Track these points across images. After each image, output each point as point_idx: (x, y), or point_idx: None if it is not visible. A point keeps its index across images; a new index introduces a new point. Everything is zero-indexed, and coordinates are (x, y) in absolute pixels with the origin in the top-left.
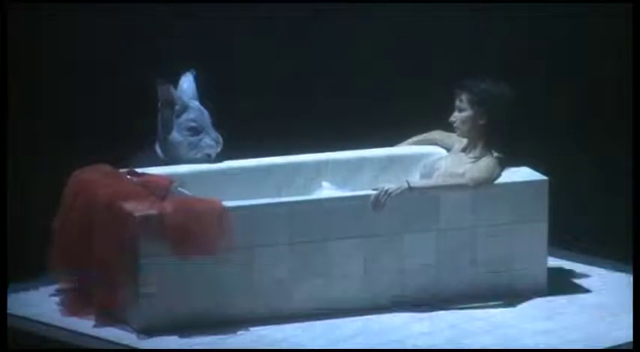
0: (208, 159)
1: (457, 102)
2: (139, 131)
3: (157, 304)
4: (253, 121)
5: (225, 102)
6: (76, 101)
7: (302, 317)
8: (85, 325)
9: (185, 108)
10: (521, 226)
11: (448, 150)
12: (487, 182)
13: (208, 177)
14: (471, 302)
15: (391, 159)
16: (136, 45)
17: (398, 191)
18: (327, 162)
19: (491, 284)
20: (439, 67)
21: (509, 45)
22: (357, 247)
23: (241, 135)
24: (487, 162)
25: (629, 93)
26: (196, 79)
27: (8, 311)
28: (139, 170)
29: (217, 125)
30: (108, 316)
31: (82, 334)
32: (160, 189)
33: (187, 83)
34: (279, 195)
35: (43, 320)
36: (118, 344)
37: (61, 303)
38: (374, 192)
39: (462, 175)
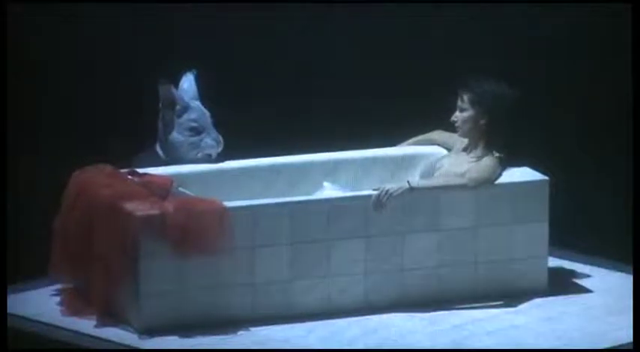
0: (209, 160)
1: (458, 102)
2: (139, 131)
3: (157, 304)
4: (253, 121)
5: (226, 102)
6: (76, 101)
7: (303, 317)
8: (85, 325)
9: (186, 108)
10: (521, 226)
11: (449, 150)
12: (488, 182)
13: (209, 178)
14: (471, 302)
15: (391, 159)
16: (136, 45)
17: (399, 191)
18: (327, 163)
19: (492, 284)
20: (439, 67)
21: (509, 45)
22: (358, 247)
23: (242, 136)
24: (488, 162)
25: (629, 93)
26: (197, 79)
27: (8, 311)
28: (139, 170)
29: (218, 125)
30: (108, 316)
31: (82, 334)
32: (161, 189)
33: (188, 83)
34: (279, 195)
35: (43, 320)
36: (118, 344)
37: (62, 303)
38: (375, 192)
39: (463, 175)
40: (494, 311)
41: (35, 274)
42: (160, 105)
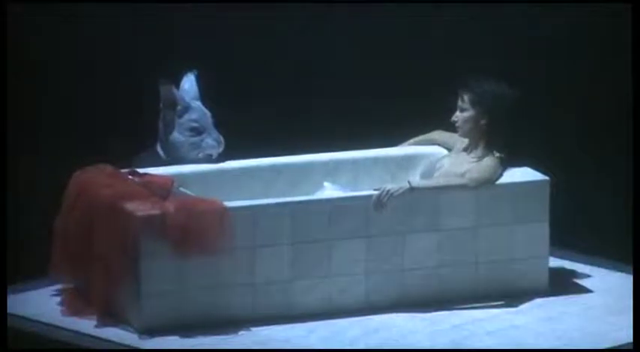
0: (210, 160)
1: (459, 102)
2: (139, 131)
3: (158, 304)
4: (253, 121)
5: (226, 102)
6: (76, 101)
7: (303, 317)
8: (85, 325)
9: (187, 108)
10: (522, 226)
11: (449, 150)
12: (488, 182)
13: (210, 178)
14: (472, 302)
15: (392, 160)
16: (136, 45)
17: (399, 191)
18: (327, 163)
19: (493, 284)
20: (439, 67)
21: (509, 45)
22: (359, 247)
23: (242, 136)
24: (488, 162)
25: (629, 93)
26: (198, 80)
27: (8, 311)
28: (140, 170)
29: (218, 125)
30: (109, 316)
31: (82, 334)
32: (162, 190)
33: (189, 83)
34: (279, 195)
35: (43, 320)
36: (119, 344)
37: (62, 303)
38: (375, 192)
39: (463, 175)
40: (494, 311)
41: (35, 274)
42: (161, 105)
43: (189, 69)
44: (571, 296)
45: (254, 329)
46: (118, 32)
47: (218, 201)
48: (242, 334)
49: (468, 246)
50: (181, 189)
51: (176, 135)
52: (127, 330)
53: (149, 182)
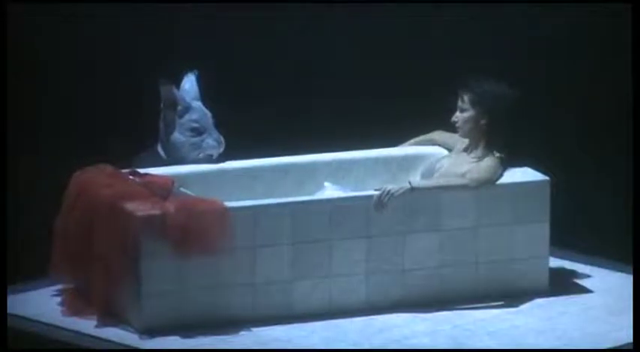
0: (210, 160)
1: (459, 103)
2: (139, 131)
3: (158, 304)
4: (253, 122)
5: (226, 103)
6: (76, 101)
7: (304, 317)
8: (86, 325)
9: (187, 108)
10: (522, 226)
11: (449, 150)
12: (489, 182)
13: (210, 178)
14: (472, 302)
15: (392, 160)
16: (136, 45)
17: (400, 191)
18: (327, 163)
19: (493, 284)
20: (439, 67)
21: (509, 45)
22: (359, 247)
23: (242, 136)
24: (489, 162)
25: (629, 93)
26: (199, 80)
27: (8, 311)
28: (140, 170)
29: (218, 125)
30: (109, 316)
31: (83, 334)
32: (162, 190)
33: (190, 84)
34: (279, 196)
35: (44, 320)
36: (119, 344)
37: (62, 303)
38: (376, 193)
39: (464, 175)
40: (495, 312)
41: (35, 274)
42: (162, 105)
43: (189, 69)
44: (571, 296)
45: (254, 329)
46: (118, 32)
47: (218, 201)
48: (242, 334)
49: (468, 246)
50: (182, 189)
51: (177, 136)
52: (127, 330)
53: (149, 182)
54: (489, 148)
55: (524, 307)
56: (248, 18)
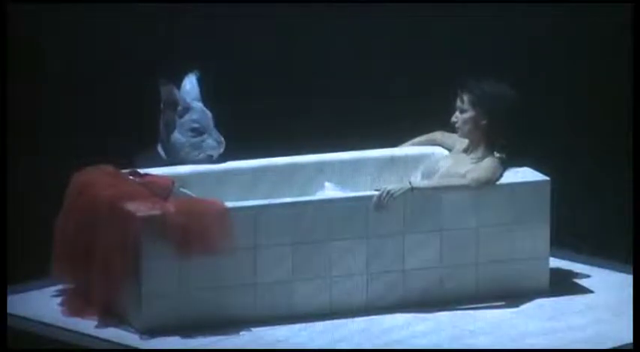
0: (210, 160)
1: (458, 103)
2: (139, 131)
3: (159, 304)
4: (253, 122)
5: (226, 103)
6: (77, 101)
7: (304, 317)
8: (86, 325)
9: (187, 108)
10: (523, 226)
11: (449, 150)
12: (489, 183)
13: (210, 178)
14: (473, 303)
15: (393, 160)
16: (136, 45)
17: (400, 191)
18: (328, 163)
19: (494, 285)
20: (439, 67)
21: (509, 45)
22: (359, 248)
23: (242, 136)
24: (489, 162)
25: (629, 93)
26: (200, 80)
27: (8, 311)
28: (141, 170)
29: (219, 126)
30: (109, 316)
31: (83, 334)
32: (162, 190)
33: (190, 84)
34: (280, 196)
35: (44, 320)
36: (119, 344)
37: (63, 304)
38: (376, 193)
39: (464, 176)
40: (495, 312)
41: (35, 274)
42: (162, 105)
43: (190, 69)
44: (571, 296)
45: (255, 329)
46: (118, 32)
47: (219, 201)
48: (243, 334)
49: (468, 246)
50: (182, 189)
51: (177, 136)
52: (127, 330)
53: (150, 182)
54: (489, 149)
55: (525, 307)
56: (248, 18)
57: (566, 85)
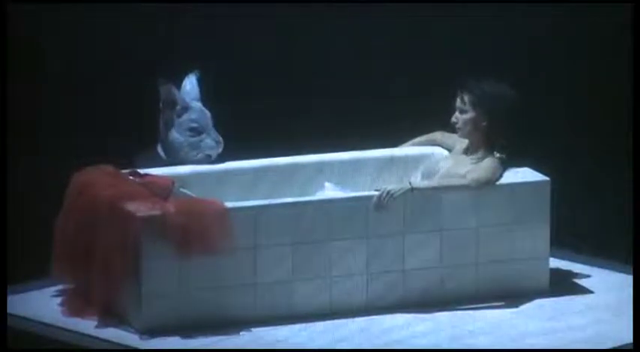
0: (209, 160)
1: (458, 103)
2: (139, 131)
3: (159, 305)
4: (253, 122)
5: (226, 103)
6: (76, 101)
7: (304, 317)
8: (86, 325)
9: (186, 108)
10: (523, 226)
11: (450, 150)
12: (489, 183)
13: (210, 178)
14: (473, 303)
15: (392, 160)
16: (136, 45)
17: (400, 192)
18: (328, 163)
19: (493, 285)
20: (439, 67)
21: (509, 45)
22: (359, 248)
23: (242, 136)
24: (489, 163)
25: (629, 93)
26: (199, 80)
27: (8, 311)
28: (141, 170)
29: (218, 125)
30: (109, 316)
31: (83, 334)
32: (162, 190)
33: (190, 84)
34: (280, 196)
35: (44, 320)
36: (119, 344)
37: (63, 304)
38: (376, 193)
39: (464, 176)
40: (495, 312)
41: (35, 274)
42: (161, 105)
43: (190, 69)
44: (571, 296)
45: (255, 329)
46: (118, 32)
47: (219, 201)
48: (243, 334)
49: (468, 246)
50: (182, 189)
51: (175, 136)
52: (127, 331)
53: (150, 182)
54: (489, 149)
55: (525, 307)
56: (248, 18)
57: (566, 85)
